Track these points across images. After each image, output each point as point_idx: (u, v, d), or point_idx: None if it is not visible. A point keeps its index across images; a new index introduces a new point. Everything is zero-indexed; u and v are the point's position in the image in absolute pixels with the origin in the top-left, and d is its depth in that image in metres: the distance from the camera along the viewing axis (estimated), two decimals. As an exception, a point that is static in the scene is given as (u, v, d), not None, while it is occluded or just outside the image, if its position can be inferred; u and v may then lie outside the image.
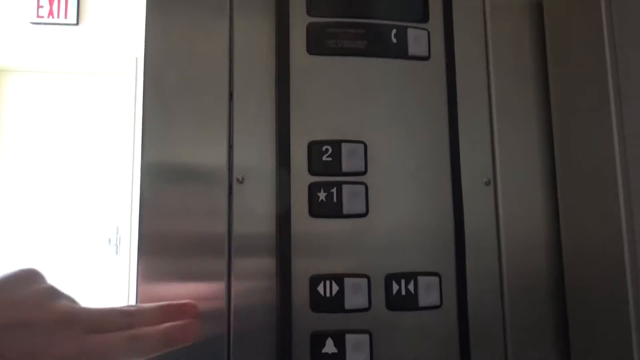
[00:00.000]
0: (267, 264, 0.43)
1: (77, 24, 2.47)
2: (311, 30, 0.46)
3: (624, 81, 0.41)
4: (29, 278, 0.27)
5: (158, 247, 0.43)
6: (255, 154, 0.45)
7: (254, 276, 0.44)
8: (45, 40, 2.44)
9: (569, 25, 0.47)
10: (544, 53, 0.50)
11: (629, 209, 0.40)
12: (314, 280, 0.43)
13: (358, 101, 0.46)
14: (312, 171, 0.44)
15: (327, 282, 0.43)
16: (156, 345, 0.29)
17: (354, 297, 0.43)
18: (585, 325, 0.44)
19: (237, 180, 0.45)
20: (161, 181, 0.44)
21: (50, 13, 2.44)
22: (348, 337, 0.42)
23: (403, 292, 0.44)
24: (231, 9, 0.47)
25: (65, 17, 2.45)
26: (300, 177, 0.44)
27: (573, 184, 0.46)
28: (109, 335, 0.27)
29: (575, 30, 0.46)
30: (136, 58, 2.44)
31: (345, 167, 0.44)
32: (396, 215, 0.45)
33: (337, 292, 0.43)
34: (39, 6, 2.44)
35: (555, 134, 0.48)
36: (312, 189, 0.44)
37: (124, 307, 0.30)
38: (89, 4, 2.49)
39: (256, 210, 0.44)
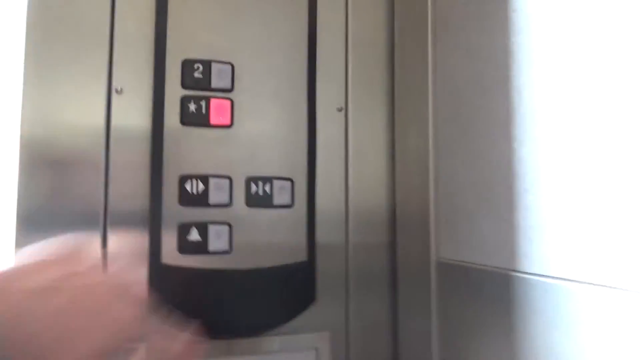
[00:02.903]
0: (141, 165, 0.49)
1: None
2: (188, -40, 0.52)
3: (440, 34, 0.52)
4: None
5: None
6: (134, 68, 0.50)
7: (132, 178, 0.49)
8: None
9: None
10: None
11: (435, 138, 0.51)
12: (183, 179, 0.50)
13: (229, 26, 0.53)
14: (184, 85, 0.51)
15: (194, 181, 0.50)
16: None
17: (217, 194, 0.50)
18: (405, 226, 0.56)
19: (116, 90, 0.49)
20: (45, 94, 0.48)
21: None
22: (211, 227, 0.50)
23: (260, 193, 0.52)
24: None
25: None
26: (174, 91, 0.50)
27: (404, 115, 0.57)
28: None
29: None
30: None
31: (214, 84, 0.51)
32: (258, 128, 0.53)
33: (203, 190, 0.50)
34: None
35: (396, 73, 0.59)
36: (184, 101, 0.50)
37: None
38: None
39: (132, 119, 0.50)
